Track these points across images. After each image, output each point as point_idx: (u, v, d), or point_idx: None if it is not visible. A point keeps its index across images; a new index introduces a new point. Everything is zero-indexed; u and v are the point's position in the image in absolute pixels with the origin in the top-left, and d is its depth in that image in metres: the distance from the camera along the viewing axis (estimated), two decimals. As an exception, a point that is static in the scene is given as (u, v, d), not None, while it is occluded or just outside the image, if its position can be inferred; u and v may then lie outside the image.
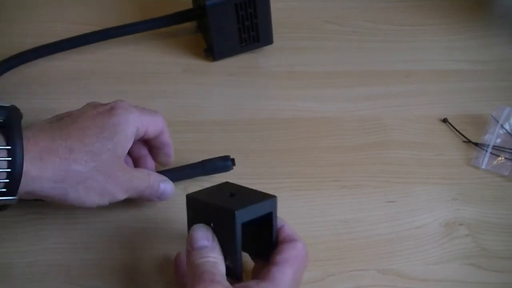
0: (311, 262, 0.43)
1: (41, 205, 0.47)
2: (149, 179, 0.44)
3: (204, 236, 0.37)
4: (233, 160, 0.48)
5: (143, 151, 0.47)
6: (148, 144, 0.47)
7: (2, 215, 0.46)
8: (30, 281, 0.43)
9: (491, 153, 0.53)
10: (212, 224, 0.38)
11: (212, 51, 0.57)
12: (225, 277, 0.36)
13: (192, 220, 0.40)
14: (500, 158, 0.53)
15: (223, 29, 0.55)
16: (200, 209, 0.39)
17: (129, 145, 0.42)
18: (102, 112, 0.41)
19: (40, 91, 0.54)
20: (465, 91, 0.59)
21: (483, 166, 0.52)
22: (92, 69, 0.56)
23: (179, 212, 0.47)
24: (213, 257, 0.36)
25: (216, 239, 0.37)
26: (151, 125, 0.44)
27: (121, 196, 0.42)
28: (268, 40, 0.58)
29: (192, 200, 0.40)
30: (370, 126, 0.55)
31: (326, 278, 0.45)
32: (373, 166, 0.52)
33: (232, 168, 0.48)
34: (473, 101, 0.58)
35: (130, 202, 0.47)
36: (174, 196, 0.48)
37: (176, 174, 0.47)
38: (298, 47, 0.61)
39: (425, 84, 0.59)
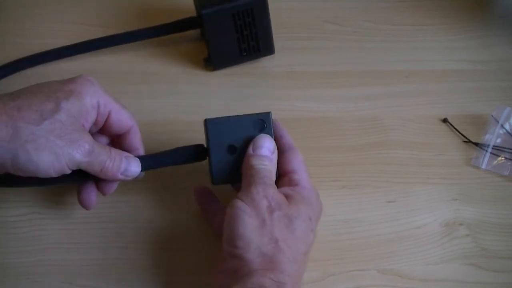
0: (311, 262, 0.43)
1: (41, 205, 0.47)
2: (110, 151, 0.41)
3: (268, 147, 0.42)
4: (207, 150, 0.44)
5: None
6: (116, 145, 0.45)
7: (2, 214, 0.46)
8: (30, 281, 0.43)
9: (491, 153, 0.53)
10: (233, 143, 0.43)
11: (211, 60, 0.56)
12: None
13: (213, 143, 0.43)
14: (500, 158, 0.53)
15: (222, 38, 0.54)
16: (222, 130, 0.43)
17: (88, 115, 0.40)
18: (61, 80, 0.41)
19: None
20: (465, 91, 0.58)
21: (483, 166, 0.52)
22: (92, 69, 0.56)
23: (180, 213, 0.48)
24: (270, 166, 0.42)
25: (276, 152, 0.43)
26: (115, 112, 0.43)
27: (80, 158, 0.38)
28: (269, 50, 0.57)
29: (212, 123, 0.43)
30: (370, 126, 0.55)
31: (326, 278, 0.45)
32: (373, 166, 0.52)
33: (206, 158, 0.44)
34: (473, 101, 0.58)
35: (130, 202, 0.48)
36: (177, 198, 0.48)
37: (144, 161, 0.43)
38: (298, 47, 0.61)
39: (425, 84, 0.59)
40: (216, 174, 0.43)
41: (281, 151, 0.44)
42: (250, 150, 0.42)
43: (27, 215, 0.46)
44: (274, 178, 0.42)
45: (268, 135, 0.43)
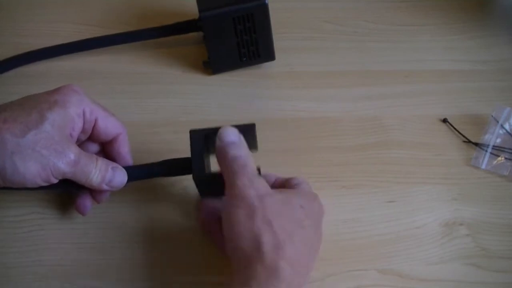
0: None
1: (41, 205, 0.47)
2: (96, 162, 0.41)
3: (233, 133, 0.40)
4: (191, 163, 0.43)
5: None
6: (104, 153, 0.45)
7: (2, 214, 0.46)
8: (30, 281, 0.43)
9: (491, 153, 0.53)
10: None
11: (210, 64, 0.56)
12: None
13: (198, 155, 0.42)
14: (500, 158, 0.53)
15: (221, 43, 0.54)
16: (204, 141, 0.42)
17: (74, 123, 0.40)
18: (46, 91, 0.41)
19: (40, 91, 0.54)
20: (465, 91, 0.59)
21: (483, 166, 0.52)
22: (92, 69, 0.56)
23: (178, 212, 0.48)
24: (244, 152, 0.40)
25: (243, 139, 0.41)
26: (102, 119, 0.42)
27: (64, 168, 0.39)
28: (270, 56, 0.56)
29: (197, 135, 0.42)
30: (369, 126, 0.55)
31: (326, 278, 0.45)
32: (373, 166, 0.52)
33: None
34: (473, 101, 0.58)
35: (130, 202, 0.48)
36: (177, 198, 0.48)
37: (132, 172, 0.43)
38: (298, 47, 0.61)
39: (425, 84, 0.59)
40: (200, 187, 0.43)
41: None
42: (217, 142, 0.40)
43: (27, 215, 0.46)
44: (254, 168, 0.40)
45: (229, 126, 0.41)
